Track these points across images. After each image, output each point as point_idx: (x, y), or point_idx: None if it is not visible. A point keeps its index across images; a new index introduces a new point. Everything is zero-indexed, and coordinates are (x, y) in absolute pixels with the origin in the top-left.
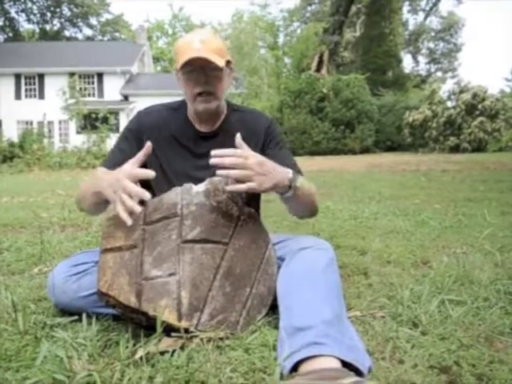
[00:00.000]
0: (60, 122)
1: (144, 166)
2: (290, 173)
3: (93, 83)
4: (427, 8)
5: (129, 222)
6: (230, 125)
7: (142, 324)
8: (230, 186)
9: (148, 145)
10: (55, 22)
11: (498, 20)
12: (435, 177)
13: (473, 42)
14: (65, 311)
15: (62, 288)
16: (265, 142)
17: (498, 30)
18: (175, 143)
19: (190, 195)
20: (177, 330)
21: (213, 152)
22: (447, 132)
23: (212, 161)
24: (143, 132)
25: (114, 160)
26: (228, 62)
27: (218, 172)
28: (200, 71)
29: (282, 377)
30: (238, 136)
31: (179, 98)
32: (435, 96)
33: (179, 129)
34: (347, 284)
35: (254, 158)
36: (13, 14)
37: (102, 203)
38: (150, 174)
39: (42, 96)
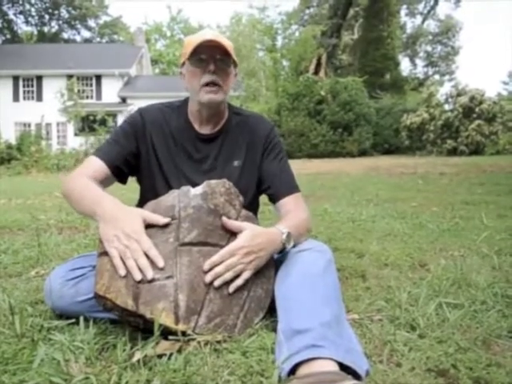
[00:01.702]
0: (58, 124)
1: (137, 161)
2: (284, 234)
3: (91, 85)
4: (425, 11)
5: (139, 276)
6: (230, 128)
7: (140, 327)
8: (231, 288)
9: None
10: (53, 24)
11: (496, 23)
12: (433, 180)
13: (470, 45)
14: (62, 315)
15: (59, 293)
16: (265, 150)
17: (495, 33)
18: (174, 143)
19: (187, 198)
20: (174, 333)
21: (205, 267)
22: (445, 135)
23: (207, 278)
24: (146, 128)
25: (110, 153)
26: (235, 64)
27: (230, 289)
28: (210, 60)
29: (280, 380)
30: (224, 219)
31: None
32: (433, 99)
33: (179, 129)
34: (345, 287)
35: (241, 249)
36: (11, 16)
37: (90, 218)
38: (159, 263)
39: (40, 98)
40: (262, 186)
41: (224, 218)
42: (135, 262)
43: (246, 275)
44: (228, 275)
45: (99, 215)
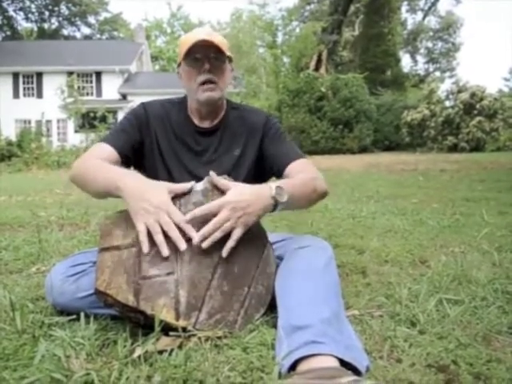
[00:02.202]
0: (58, 121)
1: (141, 152)
2: (272, 189)
3: (91, 82)
4: (426, 7)
5: (166, 252)
6: (228, 122)
7: (140, 323)
8: (224, 251)
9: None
10: (53, 20)
11: (497, 20)
12: (433, 176)
13: (471, 41)
14: (63, 311)
15: (60, 289)
16: (263, 138)
17: (496, 29)
18: (175, 137)
19: (187, 194)
20: (175, 329)
21: (187, 217)
22: (445, 131)
23: (195, 240)
24: (149, 121)
25: (118, 140)
26: (230, 59)
27: (223, 253)
28: (204, 59)
29: (280, 376)
30: (212, 173)
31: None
32: (433, 95)
33: (179, 123)
34: (345, 283)
35: (228, 204)
36: (11, 13)
37: (109, 195)
38: (195, 238)
39: (40, 95)
40: (267, 168)
41: (211, 173)
42: (167, 233)
43: (236, 234)
44: (217, 234)
45: (122, 189)
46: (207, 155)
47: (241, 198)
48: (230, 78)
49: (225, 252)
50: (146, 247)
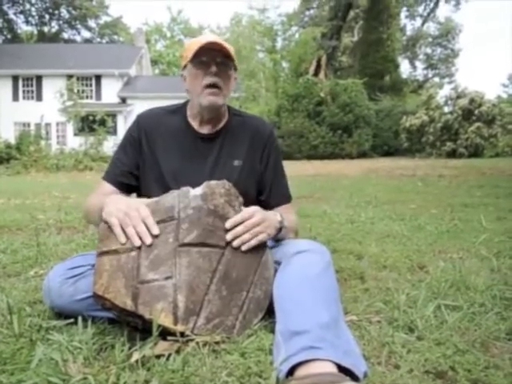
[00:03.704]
0: (57, 124)
1: (137, 168)
2: (277, 216)
3: (91, 85)
4: (425, 14)
5: (138, 242)
6: (230, 128)
7: (138, 327)
8: (245, 246)
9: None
10: (53, 24)
11: (496, 25)
12: (432, 182)
13: (470, 47)
14: (60, 314)
15: (58, 291)
16: (263, 152)
17: (495, 35)
18: (174, 145)
19: (187, 198)
20: (173, 333)
21: (227, 225)
22: (444, 137)
23: (228, 237)
24: (142, 136)
25: (115, 172)
26: (235, 68)
27: (243, 248)
28: (212, 63)
29: (277, 381)
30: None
31: (177, 101)
32: (432, 101)
33: (178, 131)
34: (344, 288)
35: (257, 212)
36: (11, 16)
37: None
38: (154, 230)
39: (39, 98)
40: (259, 188)
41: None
42: (135, 228)
43: (261, 237)
44: (247, 236)
45: (106, 206)
46: (208, 162)
47: (261, 213)
48: (233, 86)
49: (245, 247)
50: (123, 238)
